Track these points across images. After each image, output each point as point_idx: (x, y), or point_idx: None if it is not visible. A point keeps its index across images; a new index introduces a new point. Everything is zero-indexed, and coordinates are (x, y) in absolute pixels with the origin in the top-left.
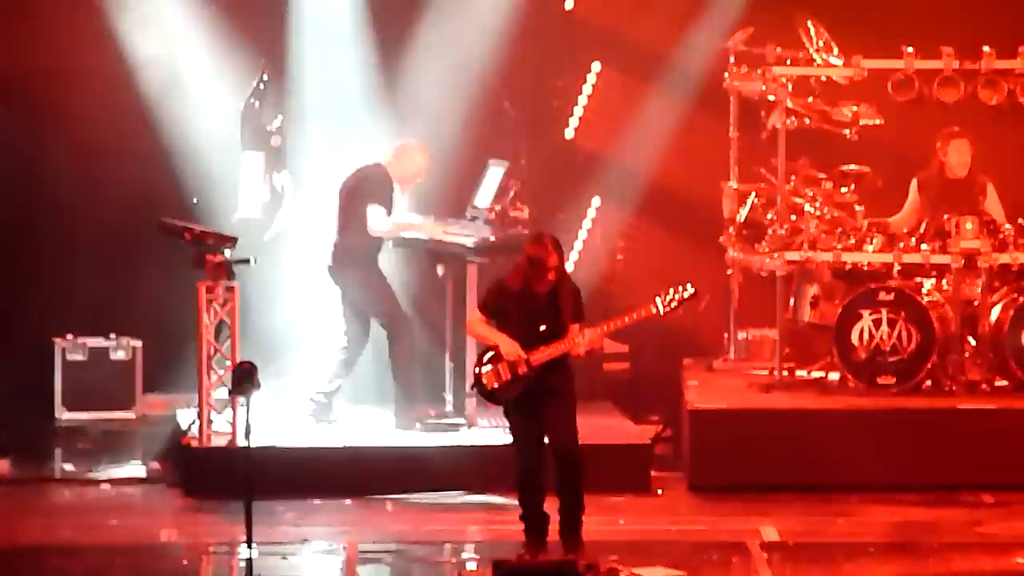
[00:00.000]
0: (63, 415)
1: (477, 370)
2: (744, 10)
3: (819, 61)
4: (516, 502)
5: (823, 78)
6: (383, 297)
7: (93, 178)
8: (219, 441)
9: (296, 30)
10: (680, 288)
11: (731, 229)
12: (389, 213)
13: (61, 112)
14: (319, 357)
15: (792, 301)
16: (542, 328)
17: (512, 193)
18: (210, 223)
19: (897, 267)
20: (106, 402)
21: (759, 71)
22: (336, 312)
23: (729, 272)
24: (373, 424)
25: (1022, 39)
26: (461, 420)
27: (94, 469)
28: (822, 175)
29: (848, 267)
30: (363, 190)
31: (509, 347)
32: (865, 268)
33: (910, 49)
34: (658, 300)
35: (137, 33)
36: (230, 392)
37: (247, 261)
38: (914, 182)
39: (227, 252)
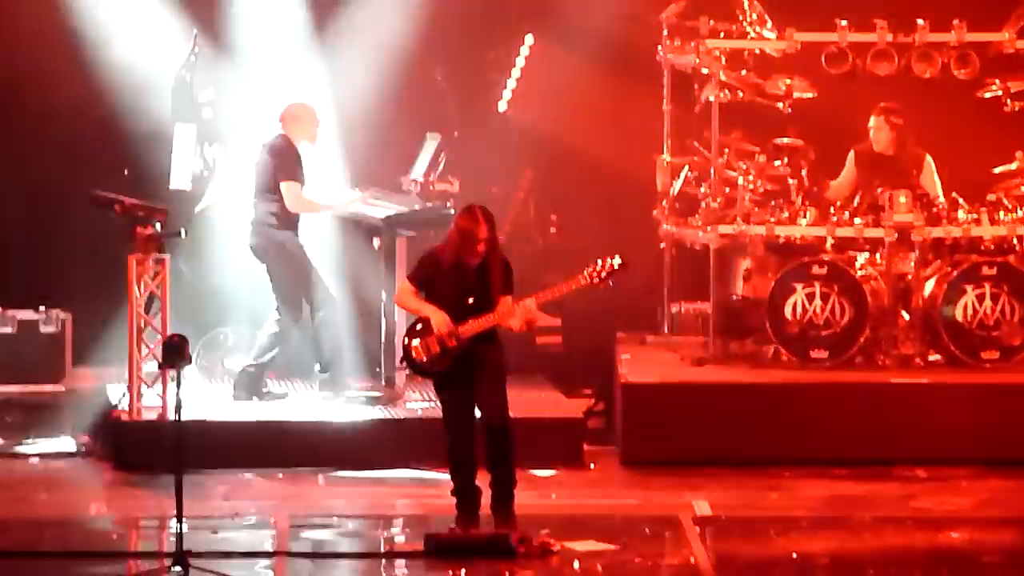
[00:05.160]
0: None
1: (406, 342)
2: None
3: (752, 34)
4: (447, 476)
5: (757, 51)
6: (301, 271)
7: (22, 148)
8: (149, 415)
9: (229, 1)
10: (608, 260)
11: (664, 202)
12: (303, 184)
13: None
14: (251, 330)
15: (725, 275)
16: (471, 301)
17: (442, 165)
18: (141, 195)
19: (831, 240)
20: (35, 375)
21: (692, 44)
22: (267, 287)
23: (662, 245)
24: (303, 397)
25: (956, 12)
26: (378, 393)
27: (23, 443)
28: (755, 148)
29: (782, 240)
30: (272, 166)
31: (439, 319)
32: (798, 241)
33: (844, 22)
34: (586, 272)
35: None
36: (160, 365)
37: (178, 234)
38: (851, 153)
39: (158, 224)
